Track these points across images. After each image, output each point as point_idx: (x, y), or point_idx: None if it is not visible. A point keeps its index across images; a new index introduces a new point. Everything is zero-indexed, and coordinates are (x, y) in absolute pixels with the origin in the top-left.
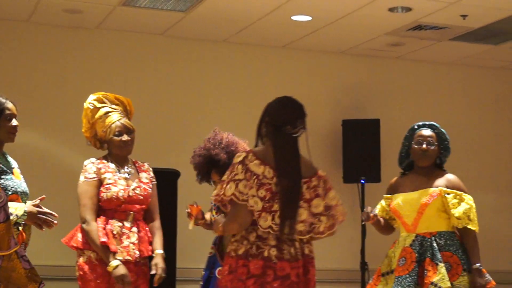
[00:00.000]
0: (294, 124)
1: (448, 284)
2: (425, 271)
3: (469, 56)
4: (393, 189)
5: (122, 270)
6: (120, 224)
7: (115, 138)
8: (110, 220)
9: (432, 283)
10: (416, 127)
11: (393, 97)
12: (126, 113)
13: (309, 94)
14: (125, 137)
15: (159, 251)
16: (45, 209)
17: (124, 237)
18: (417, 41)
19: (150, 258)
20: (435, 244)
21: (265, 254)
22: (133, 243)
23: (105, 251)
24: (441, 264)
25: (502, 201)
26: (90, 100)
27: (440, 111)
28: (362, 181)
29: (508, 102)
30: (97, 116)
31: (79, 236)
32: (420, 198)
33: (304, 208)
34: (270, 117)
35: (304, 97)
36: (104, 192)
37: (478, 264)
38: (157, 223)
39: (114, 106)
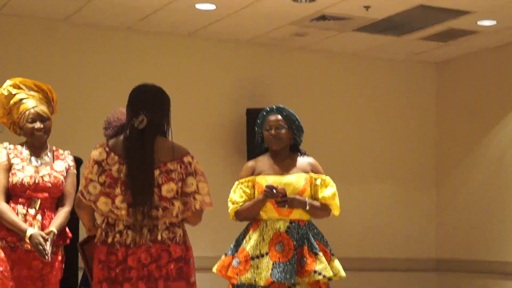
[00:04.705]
0: (137, 116)
1: (331, 273)
2: (304, 259)
3: (372, 47)
4: (252, 172)
5: (36, 238)
6: (24, 211)
7: (28, 125)
8: (15, 206)
9: (315, 271)
10: (264, 113)
11: (297, 87)
12: (47, 100)
13: (213, 83)
14: (37, 125)
15: (51, 228)
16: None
17: (27, 224)
18: (320, 31)
19: (65, 247)
20: (310, 233)
21: (109, 240)
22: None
23: (19, 225)
24: (320, 254)
25: (402, 193)
26: (5, 86)
27: (343, 101)
28: None
29: (410, 94)
30: (12, 102)
31: None
32: (297, 183)
33: (155, 193)
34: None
35: (209, 86)
36: (10, 178)
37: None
38: (65, 208)
39: (31, 93)
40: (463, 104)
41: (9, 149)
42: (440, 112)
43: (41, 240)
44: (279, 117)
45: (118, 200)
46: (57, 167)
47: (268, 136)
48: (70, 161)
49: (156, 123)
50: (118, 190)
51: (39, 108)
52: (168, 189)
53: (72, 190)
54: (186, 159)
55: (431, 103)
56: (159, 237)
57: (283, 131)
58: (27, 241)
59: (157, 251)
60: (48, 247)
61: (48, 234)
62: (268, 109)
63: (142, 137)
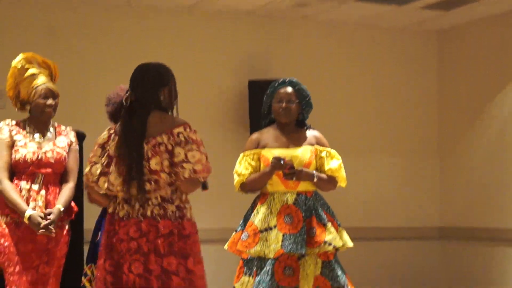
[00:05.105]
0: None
1: (341, 243)
2: (313, 230)
3: (374, 17)
4: (257, 144)
5: (35, 220)
6: (28, 186)
7: (41, 100)
8: (18, 182)
9: (325, 242)
10: (276, 84)
11: (299, 58)
12: (51, 77)
13: (214, 55)
14: (50, 101)
15: (58, 206)
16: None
17: (31, 199)
18: (321, 2)
19: (71, 222)
20: (317, 204)
21: (110, 210)
22: (39, 207)
23: (19, 205)
24: (329, 224)
25: (405, 164)
26: (19, 59)
27: (344, 72)
28: None
29: (412, 63)
30: (24, 76)
31: None
32: (303, 156)
33: (145, 167)
34: None
35: (210, 58)
36: (13, 154)
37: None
38: (69, 184)
39: (41, 69)
40: (465, 73)
41: (11, 125)
42: (442, 82)
43: (40, 220)
44: (292, 90)
45: (112, 177)
46: (59, 143)
47: (278, 109)
48: (72, 137)
49: (145, 99)
50: (112, 167)
51: (50, 84)
52: (156, 162)
53: (75, 165)
54: (176, 130)
55: (433, 73)
56: (148, 213)
57: (294, 105)
58: (26, 222)
59: (147, 226)
60: (48, 221)
61: (48, 214)
62: (280, 81)
63: (132, 113)
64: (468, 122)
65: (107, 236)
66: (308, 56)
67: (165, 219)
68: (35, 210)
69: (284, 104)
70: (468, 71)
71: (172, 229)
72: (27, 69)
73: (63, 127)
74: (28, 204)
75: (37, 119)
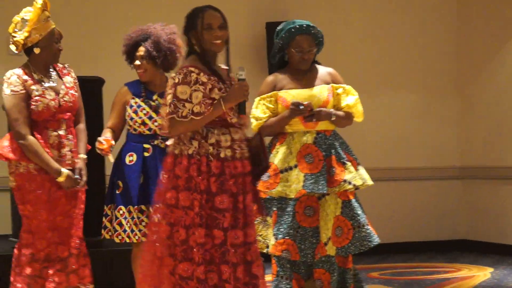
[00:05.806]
0: None
1: (361, 182)
2: (333, 169)
3: None
4: (274, 87)
5: (70, 181)
6: (56, 133)
7: (55, 45)
8: (44, 131)
9: (345, 180)
10: (293, 30)
11: None
12: None
13: None
14: (60, 46)
15: (82, 155)
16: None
17: (61, 145)
18: None
19: (92, 165)
20: (337, 143)
21: None
22: (71, 151)
23: (51, 163)
24: (349, 163)
25: (424, 102)
26: (42, 1)
27: (362, 9)
28: None
29: (430, 0)
30: (41, 18)
31: (10, 147)
32: (321, 94)
33: None
34: None
35: (227, 1)
36: (34, 105)
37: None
38: (81, 126)
39: (48, 12)
40: (484, 8)
41: (21, 76)
42: (461, 18)
43: (76, 178)
44: (311, 38)
45: None
46: (68, 83)
47: (300, 58)
48: (73, 73)
49: (186, 42)
50: None
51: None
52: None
53: (81, 103)
54: (174, 74)
55: (452, 9)
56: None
57: (313, 53)
58: (62, 180)
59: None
60: (85, 179)
61: (80, 172)
62: (298, 26)
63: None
64: (488, 58)
65: None
66: None
67: (168, 156)
68: (65, 156)
69: (306, 56)
70: (487, 6)
71: (173, 165)
72: (44, 11)
73: (60, 65)
74: (60, 150)
75: (40, 63)
